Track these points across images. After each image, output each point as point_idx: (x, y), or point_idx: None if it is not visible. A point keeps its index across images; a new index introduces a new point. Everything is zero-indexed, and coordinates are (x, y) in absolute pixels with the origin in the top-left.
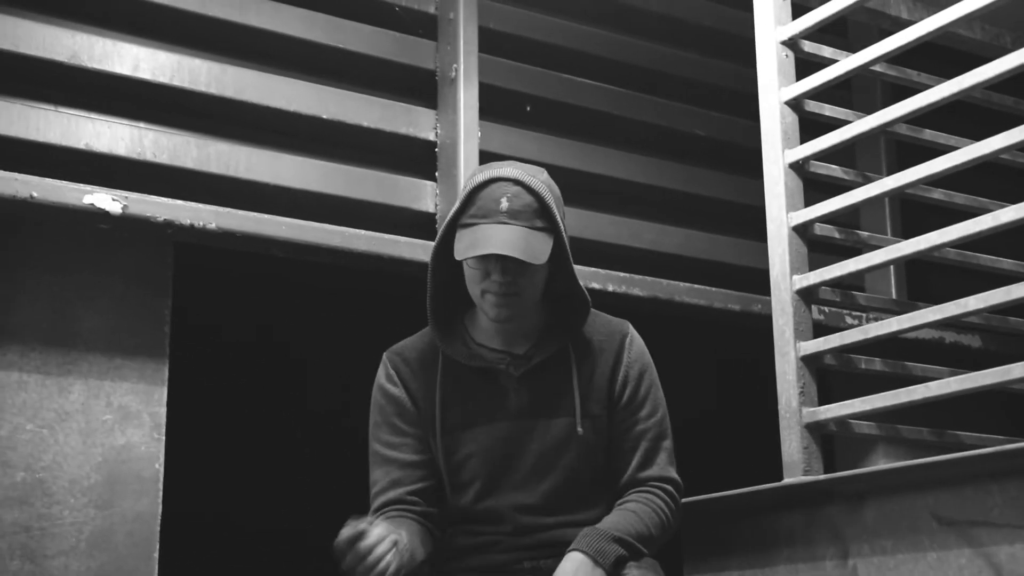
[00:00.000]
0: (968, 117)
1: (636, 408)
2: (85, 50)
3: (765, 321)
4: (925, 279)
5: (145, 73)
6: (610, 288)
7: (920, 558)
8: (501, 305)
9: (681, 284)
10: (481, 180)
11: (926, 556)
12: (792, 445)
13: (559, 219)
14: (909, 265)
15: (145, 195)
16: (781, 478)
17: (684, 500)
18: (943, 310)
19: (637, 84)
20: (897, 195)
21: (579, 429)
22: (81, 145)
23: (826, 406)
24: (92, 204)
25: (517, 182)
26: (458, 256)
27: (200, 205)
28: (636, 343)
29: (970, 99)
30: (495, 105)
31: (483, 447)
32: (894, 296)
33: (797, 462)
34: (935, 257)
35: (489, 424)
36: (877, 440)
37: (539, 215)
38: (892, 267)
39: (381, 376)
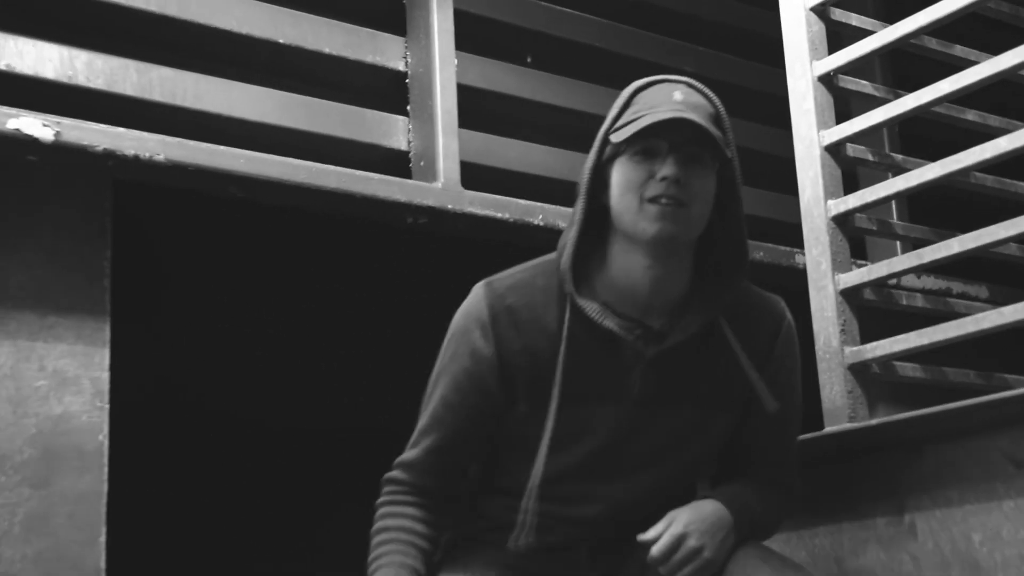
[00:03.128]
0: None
1: (782, 394)
2: None
3: None
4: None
5: None
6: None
7: (994, 508)
8: (667, 215)
9: None
10: (641, 83)
11: (1001, 505)
12: (834, 390)
13: (732, 140)
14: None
15: (82, 121)
16: None
17: None
18: (1018, 224)
19: (625, 16)
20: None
21: (769, 406)
22: (1, 66)
23: (873, 343)
24: (18, 129)
25: (689, 84)
26: (617, 137)
27: (145, 134)
28: (791, 329)
29: (1000, 12)
30: (470, 34)
31: (589, 429)
32: None
33: (841, 408)
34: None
35: (601, 403)
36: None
37: (715, 121)
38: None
39: (471, 320)
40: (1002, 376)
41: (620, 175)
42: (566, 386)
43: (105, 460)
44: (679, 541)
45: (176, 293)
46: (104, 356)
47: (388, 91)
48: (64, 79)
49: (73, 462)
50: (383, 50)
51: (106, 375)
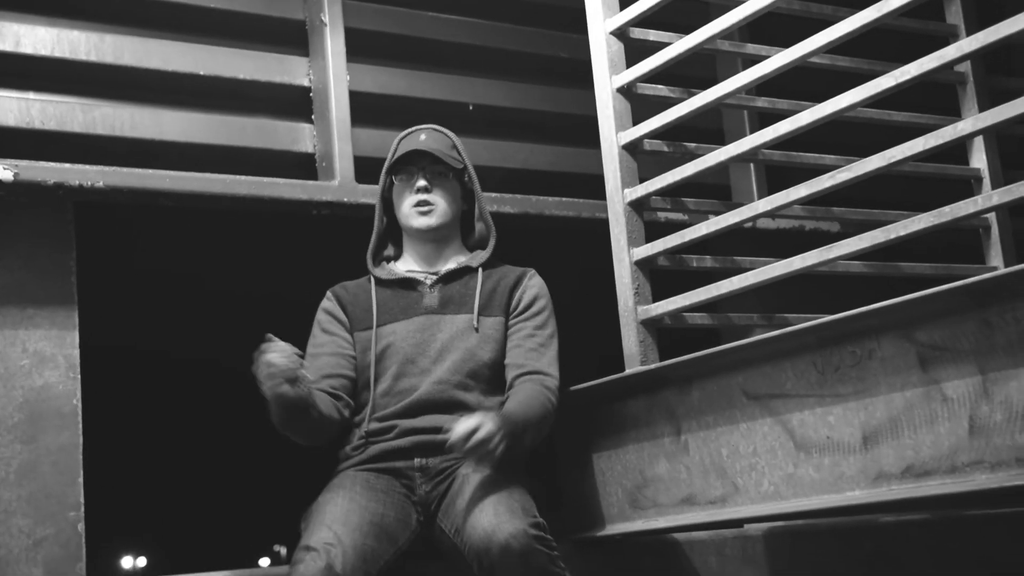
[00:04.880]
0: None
1: (529, 318)
2: None
3: None
4: (784, 175)
5: (27, 48)
6: None
7: (734, 429)
8: (424, 212)
9: (550, 199)
10: (403, 134)
11: (738, 427)
12: (631, 340)
13: (467, 160)
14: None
15: (35, 161)
16: None
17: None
18: (740, 213)
19: (497, 14)
20: (720, 108)
21: (475, 323)
22: None
23: (656, 303)
24: None
25: (432, 128)
26: (387, 165)
27: (87, 166)
28: (538, 279)
29: (789, 10)
30: (363, 47)
31: (400, 336)
32: (755, 197)
33: (635, 354)
34: (755, 159)
35: (407, 319)
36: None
37: (452, 149)
38: (752, 168)
39: (323, 302)
40: (783, 316)
41: (397, 195)
42: (380, 314)
43: (79, 419)
44: (466, 424)
45: (135, 280)
46: (74, 337)
47: (297, 104)
48: (23, 125)
49: (54, 422)
50: (290, 70)
51: (76, 352)
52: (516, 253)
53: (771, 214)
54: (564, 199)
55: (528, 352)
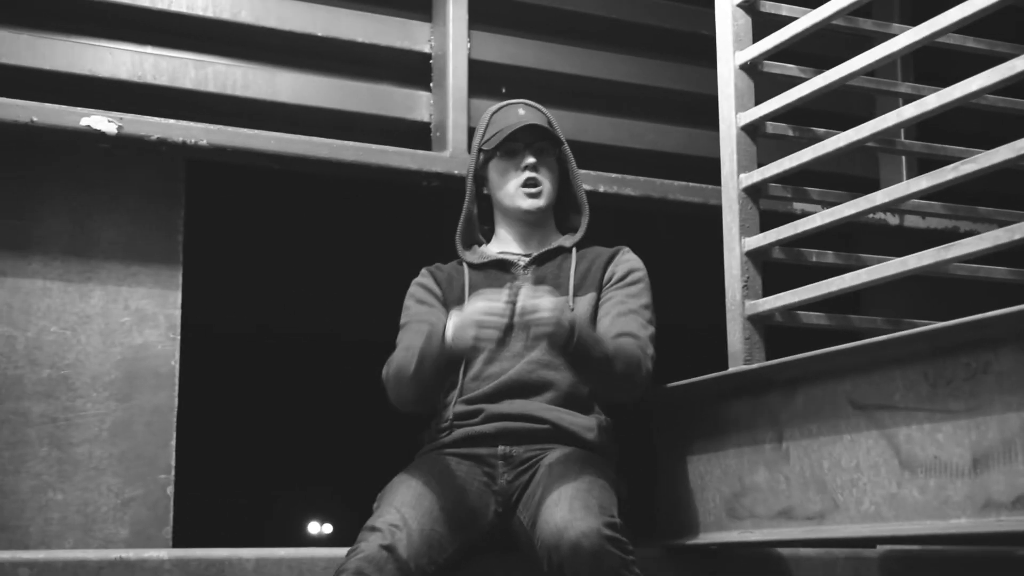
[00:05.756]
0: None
1: (622, 287)
2: None
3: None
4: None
5: (143, 1)
6: (601, 189)
7: (837, 440)
8: (533, 194)
9: (675, 183)
10: (494, 108)
11: (842, 438)
12: (735, 336)
13: (561, 134)
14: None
15: (139, 116)
16: None
17: (656, 387)
18: (856, 204)
19: None
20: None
21: (570, 304)
22: (85, 71)
23: (766, 298)
24: (89, 126)
25: (525, 102)
26: (491, 145)
27: (191, 123)
28: (630, 254)
29: None
30: (488, 14)
31: None
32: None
33: (739, 352)
34: (882, 148)
35: None
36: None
37: (550, 125)
38: (904, 160)
39: (419, 275)
40: (911, 321)
41: (497, 172)
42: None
43: (176, 380)
44: (538, 298)
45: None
46: (177, 297)
47: (416, 70)
48: (135, 78)
49: (150, 381)
50: (411, 35)
51: (178, 312)
52: (632, 240)
53: (890, 207)
54: (691, 184)
55: (617, 318)
